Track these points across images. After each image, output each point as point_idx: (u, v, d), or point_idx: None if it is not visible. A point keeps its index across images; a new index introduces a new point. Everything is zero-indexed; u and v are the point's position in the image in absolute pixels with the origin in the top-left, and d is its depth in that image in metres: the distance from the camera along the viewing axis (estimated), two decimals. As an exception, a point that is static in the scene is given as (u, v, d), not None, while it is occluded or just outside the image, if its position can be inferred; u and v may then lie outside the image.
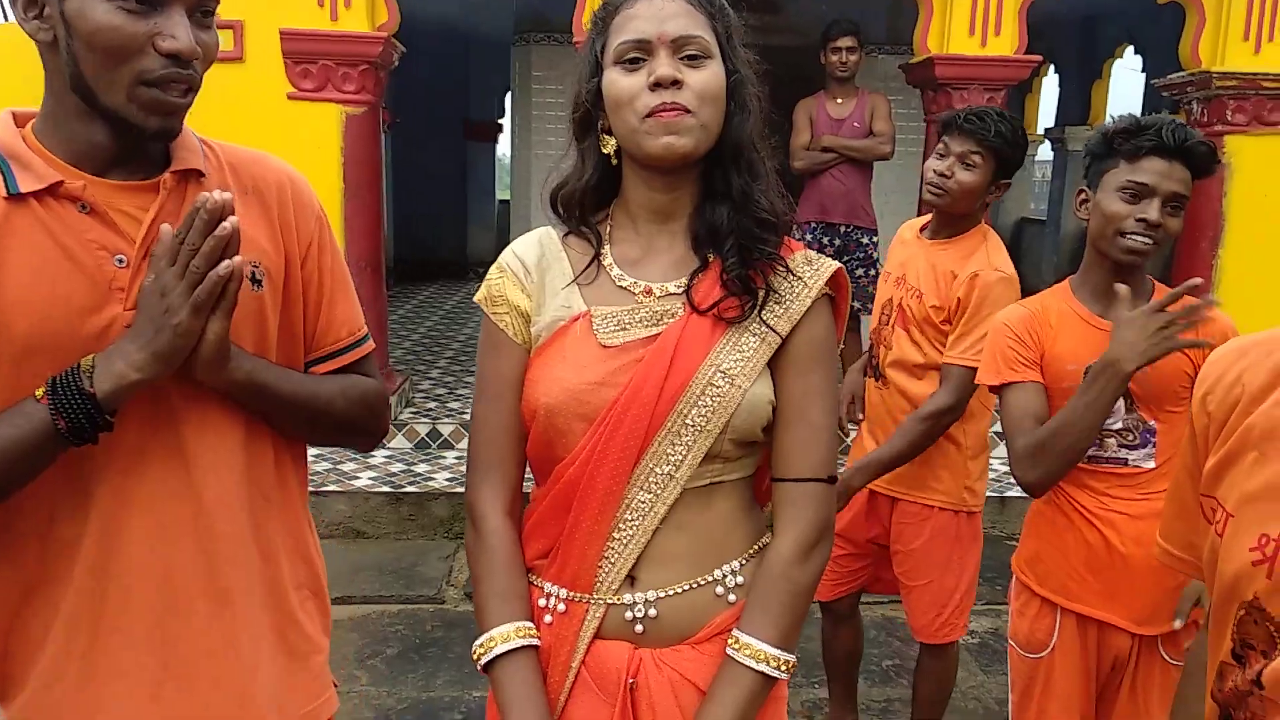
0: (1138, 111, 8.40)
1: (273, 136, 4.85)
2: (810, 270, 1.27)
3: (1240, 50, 5.16)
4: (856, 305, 5.14)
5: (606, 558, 1.24)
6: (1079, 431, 1.79)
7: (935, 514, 2.57)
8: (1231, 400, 1.00)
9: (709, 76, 1.21)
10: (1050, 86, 10.04)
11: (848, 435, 3.01)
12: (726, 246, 1.25)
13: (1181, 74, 5.37)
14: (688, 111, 1.18)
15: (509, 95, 7.43)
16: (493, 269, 1.35)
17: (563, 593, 1.26)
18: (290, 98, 4.85)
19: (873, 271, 5.17)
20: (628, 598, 1.24)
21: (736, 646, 1.21)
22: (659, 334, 1.23)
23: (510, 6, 7.22)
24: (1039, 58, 5.07)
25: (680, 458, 1.22)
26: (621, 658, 1.24)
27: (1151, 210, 1.81)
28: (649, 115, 1.18)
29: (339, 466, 4.75)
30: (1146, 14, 5.91)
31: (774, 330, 1.24)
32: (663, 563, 1.24)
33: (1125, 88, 8.59)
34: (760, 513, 1.35)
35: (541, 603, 1.28)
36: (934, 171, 2.48)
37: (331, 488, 4.47)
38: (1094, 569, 1.92)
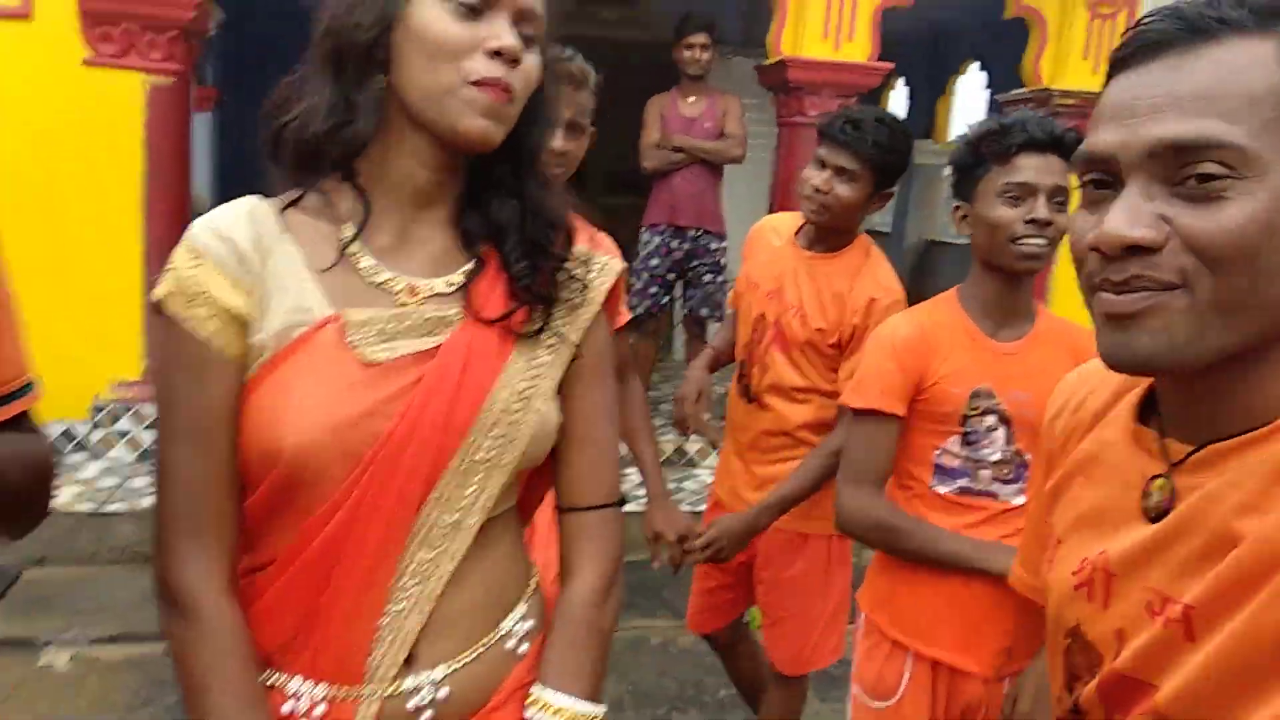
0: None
1: (65, 107, 4.33)
2: (591, 271, 1.11)
3: (1080, 68, 5.30)
4: (705, 312, 5.01)
5: (380, 638, 0.98)
6: (921, 555, 1.74)
7: (810, 541, 2.38)
8: (1073, 425, 0.94)
9: (534, 65, 1.01)
10: (899, 100, 10.25)
11: (717, 445, 2.81)
12: (510, 245, 1.04)
13: (1023, 90, 5.48)
14: (511, 97, 0.98)
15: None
16: (180, 253, 0.97)
17: (320, 690, 0.99)
18: (86, 63, 4.31)
19: (720, 278, 5.04)
20: (409, 682, 0.99)
21: (541, 707, 1.03)
22: (436, 347, 1.00)
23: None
24: (891, 65, 5.07)
25: (470, 502, 1.00)
26: None
27: (1039, 208, 1.65)
28: (474, 83, 0.95)
29: (127, 483, 4.26)
30: (991, 31, 6.02)
31: (567, 341, 1.07)
32: (446, 630, 1.01)
33: (969, 104, 8.82)
34: (524, 544, 1.17)
35: (288, 708, 0.99)
36: (812, 186, 2.25)
37: (116, 507, 4.00)
38: (953, 610, 1.74)
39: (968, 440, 1.74)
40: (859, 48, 4.94)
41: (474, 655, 1.03)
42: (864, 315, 2.20)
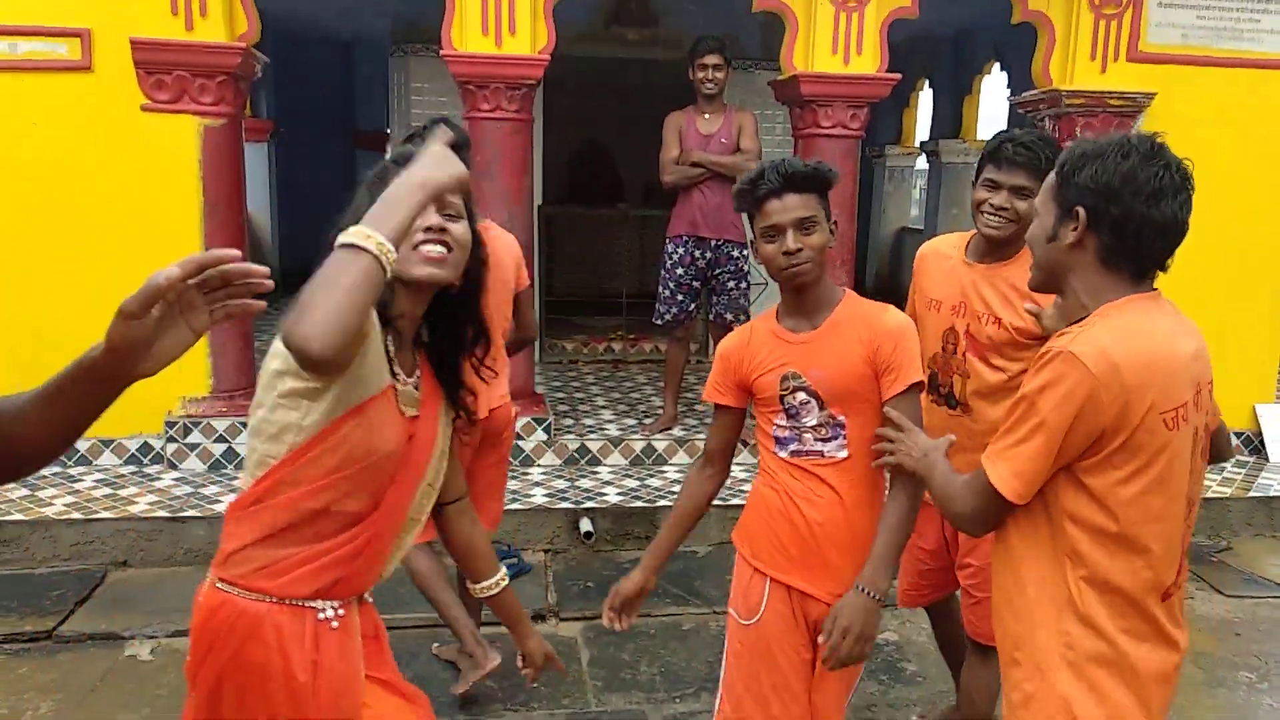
0: (1004, 126, 8.66)
1: (125, 150, 4.70)
2: None
3: (1088, 70, 5.41)
4: (730, 316, 5.22)
5: (380, 575, 1.77)
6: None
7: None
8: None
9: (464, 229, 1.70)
10: (926, 100, 10.36)
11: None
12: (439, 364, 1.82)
13: (1035, 92, 5.60)
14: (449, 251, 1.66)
15: (389, 107, 7.30)
16: None
17: (338, 604, 1.67)
18: (144, 109, 4.69)
19: (744, 284, 5.27)
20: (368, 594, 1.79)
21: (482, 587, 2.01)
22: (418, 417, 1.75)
23: (387, 15, 7.12)
24: (898, 76, 5.22)
25: (422, 507, 1.81)
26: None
27: (788, 241, 2.05)
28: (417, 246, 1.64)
29: (199, 491, 4.61)
30: (1010, 33, 6.13)
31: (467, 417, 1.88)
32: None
33: (995, 103, 8.92)
34: None
35: (321, 616, 1.63)
36: (993, 205, 2.51)
37: (190, 513, 4.36)
38: (795, 544, 2.15)
39: (789, 414, 2.15)
40: (868, 60, 5.11)
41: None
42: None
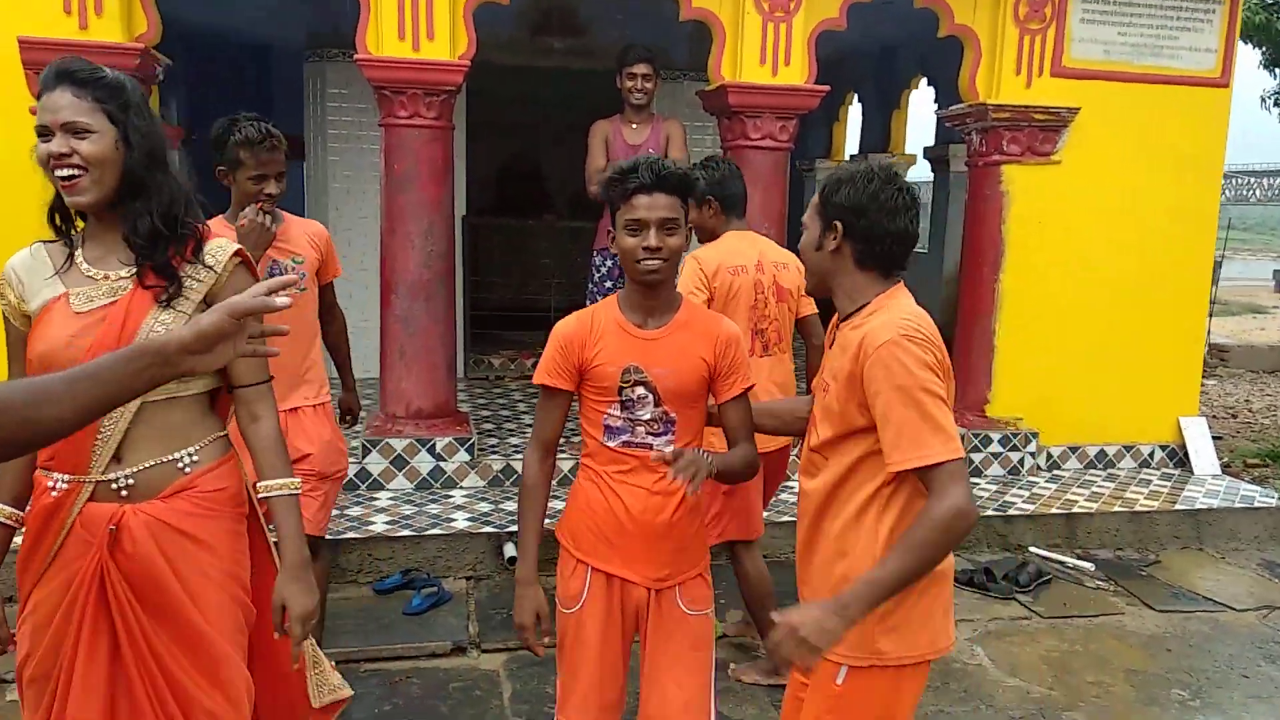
0: (930, 140, 8.70)
1: (12, 155, 4.37)
2: (210, 255, 1.92)
3: (1013, 84, 5.43)
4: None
5: (96, 448, 1.82)
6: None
7: None
8: None
9: (91, 147, 1.80)
10: (856, 114, 10.40)
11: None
12: (145, 249, 1.85)
13: (961, 106, 5.60)
14: (84, 171, 1.79)
15: (304, 114, 7.03)
16: None
17: (64, 477, 1.84)
18: (33, 112, 4.37)
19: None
20: (112, 474, 1.84)
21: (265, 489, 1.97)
22: (116, 302, 1.85)
23: (303, 21, 6.87)
24: (827, 88, 5.17)
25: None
26: (107, 512, 1.83)
27: (650, 238, 2.13)
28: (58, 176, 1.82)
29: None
30: (936, 47, 6.14)
31: (192, 301, 1.88)
32: (136, 447, 1.85)
33: (923, 116, 8.96)
34: (217, 416, 1.99)
35: (49, 485, 1.85)
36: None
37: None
38: (615, 533, 2.24)
39: (625, 405, 2.22)
40: (796, 71, 5.05)
41: (153, 464, 1.86)
42: None
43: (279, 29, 7.31)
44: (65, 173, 1.78)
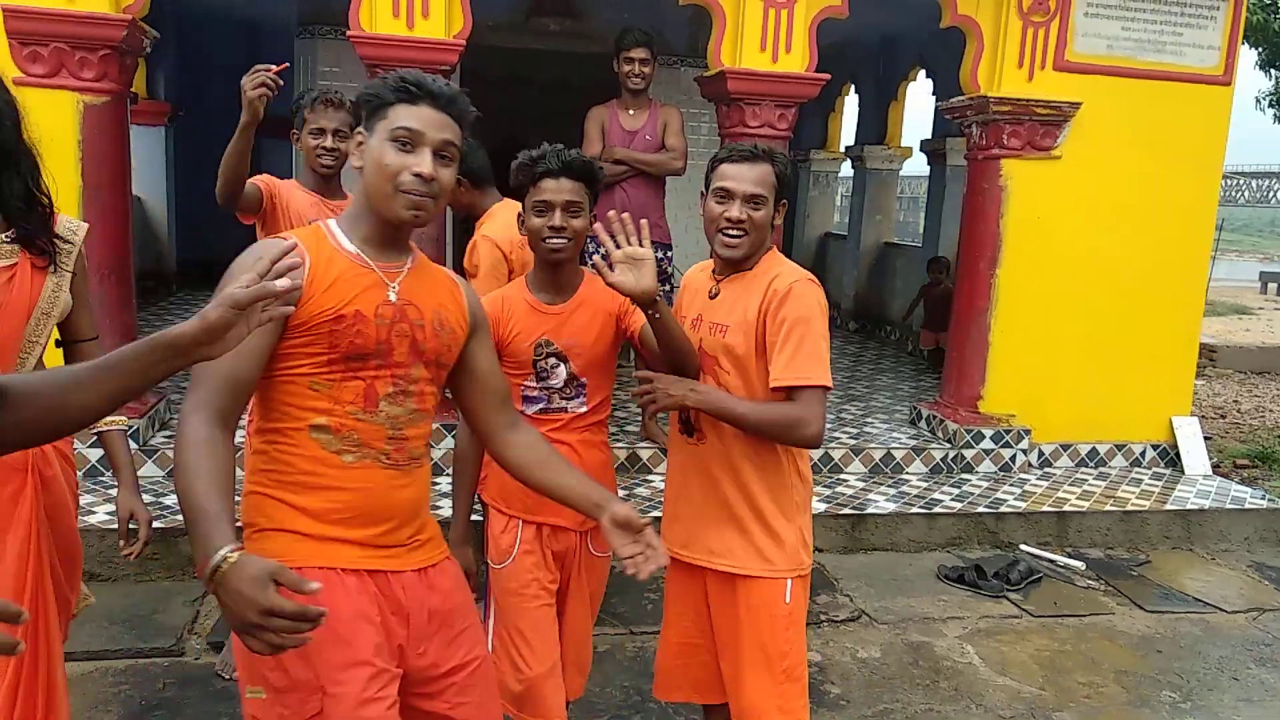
0: (928, 133, 8.63)
1: (-4, 126, 4.28)
2: (76, 232, 2.15)
3: (1015, 77, 5.37)
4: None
5: None
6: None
7: None
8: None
9: None
10: (852, 106, 10.34)
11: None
12: (21, 214, 2.01)
13: (962, 98, 5.54)
14: None
15: (294, 90, 6.91)
16: None
17: None
18: (17, 83, 4.25)
19: (667, 286, 5.07)
20: None
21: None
22: (17, 264, 2.03)
23: (295, -4, 6.76)
24: (827, 76, 5.10)
25: (30, 356, 2.06)
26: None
27: (555, 218, 2.34)
28: None
29: (72, 500, 4.23)
30: (936, 39, 6.08)
31: (64, 271, 2.10)
32: None
33: (920, 109, 8.89)
34: None
35: None
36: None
37: (57, 527, 3.96)
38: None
39: (540, 376, 2.44)
40: (797, 59, 4.98)
41: None
42: None
43: (270, 4, 7.19)
44: None
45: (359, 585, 1.75)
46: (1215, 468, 6.09)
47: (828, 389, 2.23)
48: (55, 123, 4.31)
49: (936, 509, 5.02)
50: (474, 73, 6.25)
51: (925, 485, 5.38)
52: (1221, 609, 4.43)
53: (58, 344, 2.18)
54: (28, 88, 4.27)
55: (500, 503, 2.52)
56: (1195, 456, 5.93)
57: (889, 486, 5.32)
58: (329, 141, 3.24)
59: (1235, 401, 9.07)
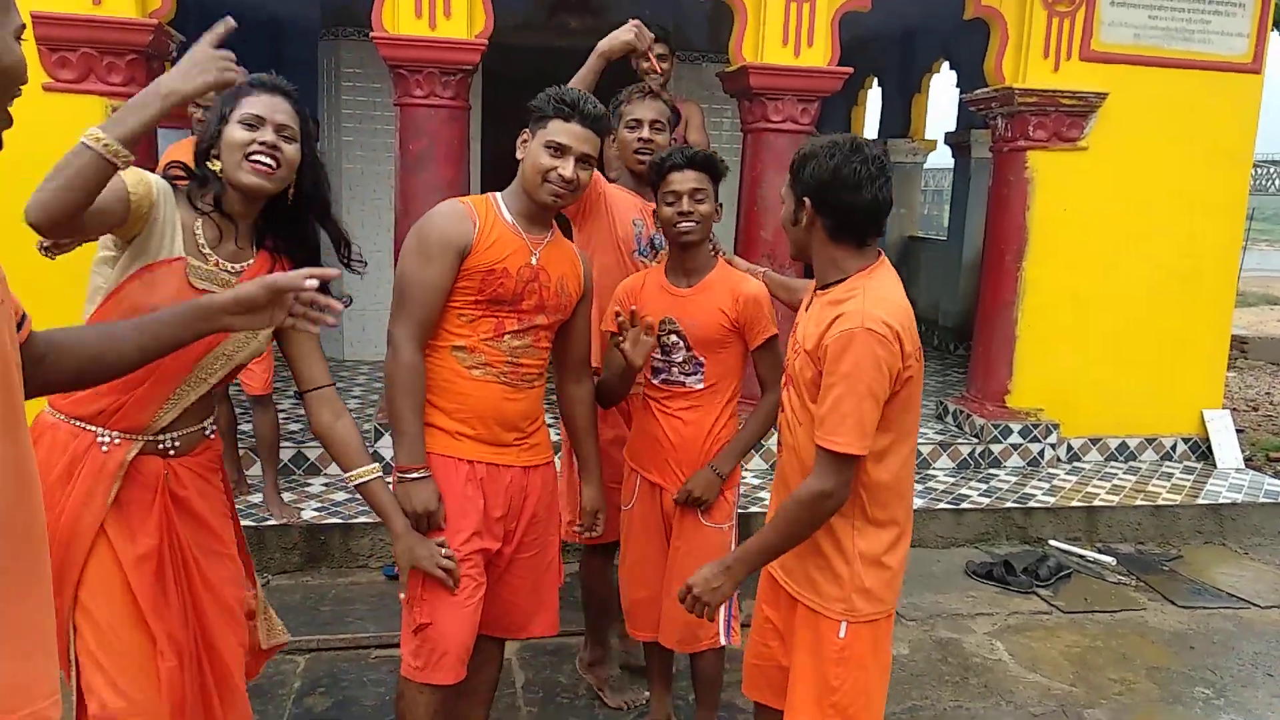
0: (952, 125, 8.52)
1: (26, 132, 4.30)
2: None
3: (1040, 68, 5.31)
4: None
5: (159, 414, 2.01)
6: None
7: None
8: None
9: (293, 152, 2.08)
10: (875, 99, 10.27)
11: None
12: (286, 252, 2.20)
13: (987, 90, 5.49)
14: (277, 167, 2.03)
15: (318, 93, 6.96)
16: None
17: (116, 435, 1.98)
18: (46, 89, 4.33)
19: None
20: (162, 437, 2.04)
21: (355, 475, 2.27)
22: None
23: (317, -2, 6.79)
24: (850, 70, 5.06)
25: (210, 375, 2.07)
26: (156, 463, 2.04)
27: (684, 204, 2.60)
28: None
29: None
30: (959, 30, 6.02)
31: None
32: (183, 419, 2.06)
33: (944, 101, 8.82)
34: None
35: (99, 440, 1.98)
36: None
37: None
38: (656, 451, 2.79)
39: (664, 350, 2.72)
40: (819, 53, 4.95)
41: (193, 430, 2.09)
42: None
43: (293, 6, 7.22)
44: None
45: (470, 472, 2.34)
46: (1247, 461, 6.01)
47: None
48: (84, 128, 4.34)
49: (964, 504, 4.99)
50: (496, 72, 6.26)
51: (953, 480, 5.35)
52: (1255, 604, 4.37)
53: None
54: (57, 93, 4.33)
55: (631, 458, 2.88)
56: (1227, 450, 5.85)
57: (916, 482, 5.27)
58: (645, 133, 3.07)
59: (1267, 394, 8.95)
